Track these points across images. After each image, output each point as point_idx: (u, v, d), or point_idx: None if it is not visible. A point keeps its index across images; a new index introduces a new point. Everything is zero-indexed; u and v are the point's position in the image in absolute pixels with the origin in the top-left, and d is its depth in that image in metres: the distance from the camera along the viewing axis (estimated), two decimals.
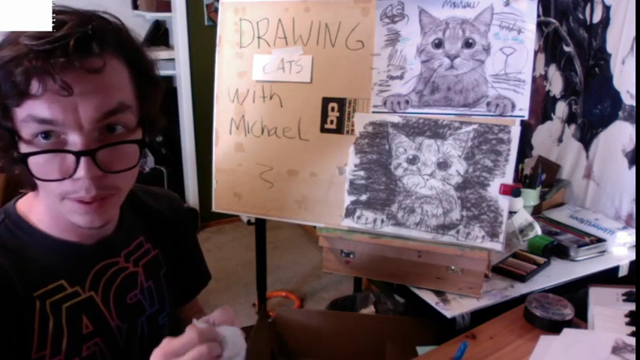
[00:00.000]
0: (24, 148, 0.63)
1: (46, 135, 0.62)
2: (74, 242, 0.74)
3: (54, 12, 0.63)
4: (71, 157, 0.63)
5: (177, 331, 0.90)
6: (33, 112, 0.61)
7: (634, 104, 1.54)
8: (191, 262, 0.99)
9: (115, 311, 0.78)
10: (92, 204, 0.66)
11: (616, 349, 0.87)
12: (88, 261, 0.76)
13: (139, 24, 3.58)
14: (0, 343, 0.65)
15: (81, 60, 0.61)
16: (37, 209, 0.73)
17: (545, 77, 1.86)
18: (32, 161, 0.63)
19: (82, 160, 0.62)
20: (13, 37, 0.62)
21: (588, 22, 1.66)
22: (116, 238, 0.79)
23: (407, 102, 1.27)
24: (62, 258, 0.73)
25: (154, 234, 0.86)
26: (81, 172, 0.63)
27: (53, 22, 0.61)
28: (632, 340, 0.90)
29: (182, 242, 0.93)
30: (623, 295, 1.17)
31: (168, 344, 0.61)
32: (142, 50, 0.70)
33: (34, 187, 0.71)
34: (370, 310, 1.81)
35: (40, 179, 0.64)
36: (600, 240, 1.48)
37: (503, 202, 1.20)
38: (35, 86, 0.60)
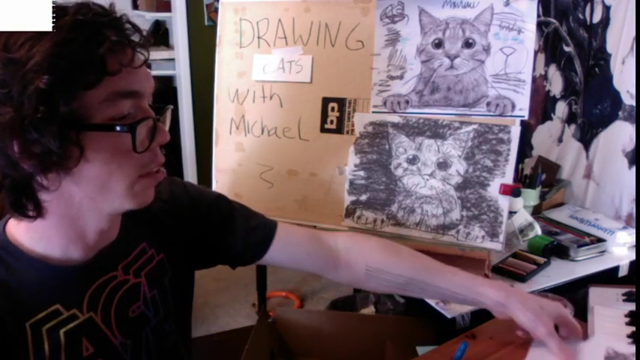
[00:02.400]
0: (87, 133, 0.60)
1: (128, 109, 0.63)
2: (68, 265, 0.69)
3: (86, 4, 0.62)
4: (150, 123, 0.65)
5: (186, 334, 0.87)
6: (119, 88, 0.61)
7: (634, 104, 1.53)
8: (238, 227, 0.89)
9: (116, 328, 0.73)
10: (159, 173, 0.69)
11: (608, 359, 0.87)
12: (85, 280, 0.71)
13: (139, 24, 3.56)
14: None
15: (137, 36, 0.64)
16: (35, 229, 0.67)
17: (545, 77, 1.86)
18: (123, 136, 0.62)
19: (159, 125, 0.66)
20: (67, 20, 0.59)
21: (588, 22, 1.66)
22: (116, 248, 0.74)
23: (407, 102, 1.27)
24: (57, 281, 0.68)
25: (157, 236, 0.80)
26: (166, 133, 0.66)
27: (98, 5, 0.62)
28: (625, 349, 0.90)
29: (200, 228, 0.85)
30: (623, 295, 1.16)
31: None
32: None
33: (40, 212, 0.64)
34: (370, 310, 1.81)
35: (140, 151, 0.63)
36: (600, 240, 1.48)
37: (503, 202, 1.20)
38: (121, 60, 0.61)
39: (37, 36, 0.58)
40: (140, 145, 0.63)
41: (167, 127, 0.69)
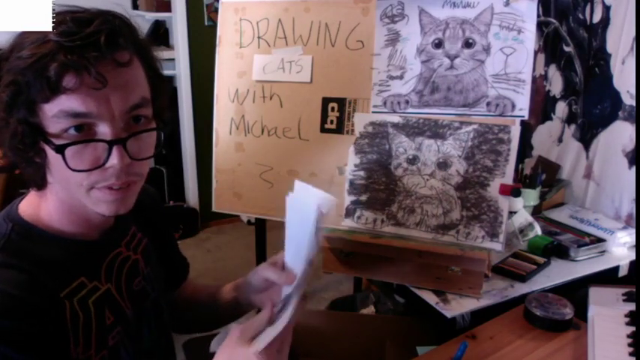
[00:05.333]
0: (53, 142, 0.65)
1: (77, 128, 0.65)
2: (84, 239, 0.76)
3: (74, 12, 0.65)
4: (102, 147, 0.66)
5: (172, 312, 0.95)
6: (66, 107, 0.63)
7: (634, 104, 1.53)
8: (173, 252, 1.04)
9: (127, 299, 0.81)
10: (120, 191, 0.70)
11: None
12: (99, 255, 0.79)
13: (138, 24, 3.58)
14: (46, 346, 0.67)
15: (112, 54, 0.64)
16: (46, 208, 0.74)
17: (545, 77, 1.86)
18: (66, 153, 0.65)
19: (115, 148, 0.66)
20: (40, 36, 0.63)
21: (588, 22, 1.66)
22: (116, 227, 0.82)
23: (407, 102, 1.27)
24: (76, 256, 0.75)
25: (141, 224, 0.90)
26: (114, 159, 0.66)
27: (77, 21, 0.64)
28: None
29: (164, 234, 0.98)
30: (623, 295, 1.16)
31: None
32: (151, 48, 0.74)
33: (41, 186, 0.73)
34: (370, 310, 1.81)
35: (75, 170, 0.66)
36: (600, 240, 1.48)
37: (503, 202, 1.20)
38: (70, 81, 0.62)
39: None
40: (77, 165, 0.66)
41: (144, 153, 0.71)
